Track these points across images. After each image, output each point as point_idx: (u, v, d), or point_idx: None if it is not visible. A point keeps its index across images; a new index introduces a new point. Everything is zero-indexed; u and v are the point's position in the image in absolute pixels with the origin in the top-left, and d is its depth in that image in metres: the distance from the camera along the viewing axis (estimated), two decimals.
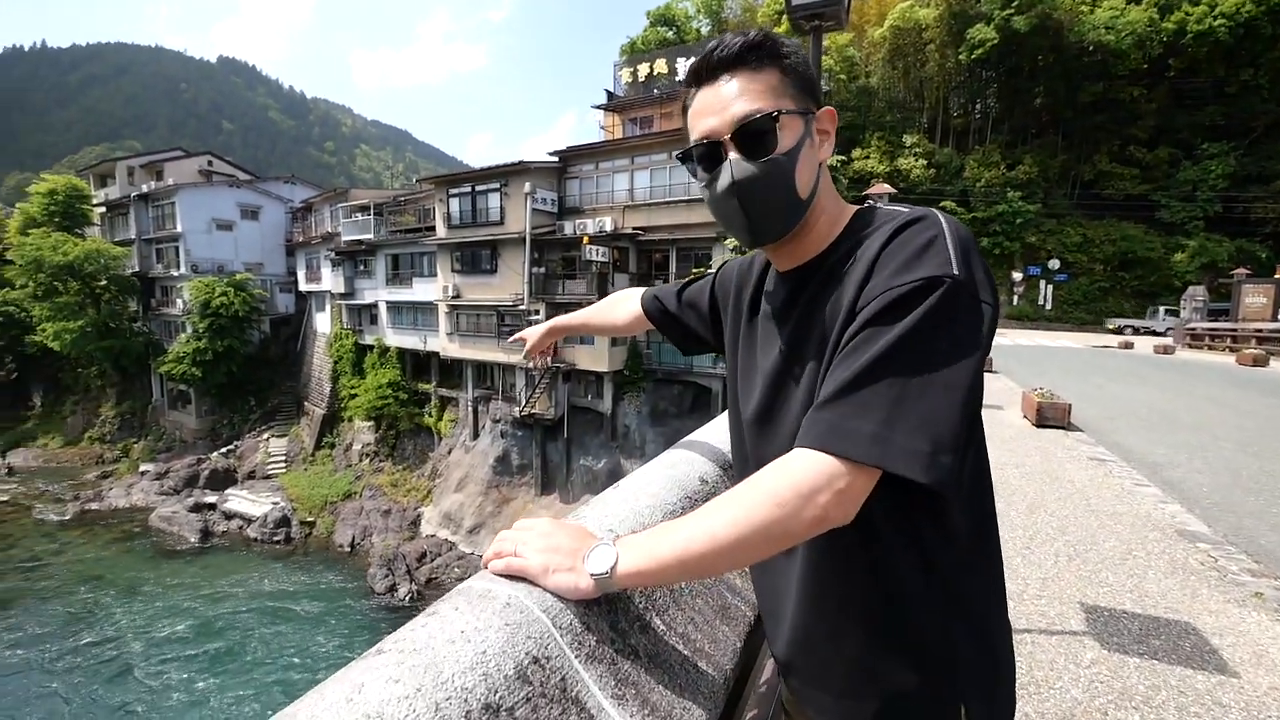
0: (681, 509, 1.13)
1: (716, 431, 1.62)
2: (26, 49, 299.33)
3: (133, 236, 33.82)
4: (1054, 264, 30.22)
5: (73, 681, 14.16)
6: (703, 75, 0.82)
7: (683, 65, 26.21)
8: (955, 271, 0.68)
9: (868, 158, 32.62)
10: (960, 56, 32.86)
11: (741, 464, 1.02)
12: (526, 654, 0.70)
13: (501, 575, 0.79)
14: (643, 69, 28.16)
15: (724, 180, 0.81)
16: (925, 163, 32.76)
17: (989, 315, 0.70)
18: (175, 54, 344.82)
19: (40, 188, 31.75)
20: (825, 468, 0.66)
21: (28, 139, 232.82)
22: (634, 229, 18.91)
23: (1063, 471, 5.60)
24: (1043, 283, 29.94)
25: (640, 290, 1.37)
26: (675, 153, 0.97)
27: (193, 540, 21.40)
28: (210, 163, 38.10)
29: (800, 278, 0.87)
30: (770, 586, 0.96)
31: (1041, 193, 32.15)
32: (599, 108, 29.67)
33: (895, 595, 0.78)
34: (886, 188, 11.46)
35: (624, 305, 1.40)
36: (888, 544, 0.78)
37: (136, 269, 33.11)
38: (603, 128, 29.81)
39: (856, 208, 0.88)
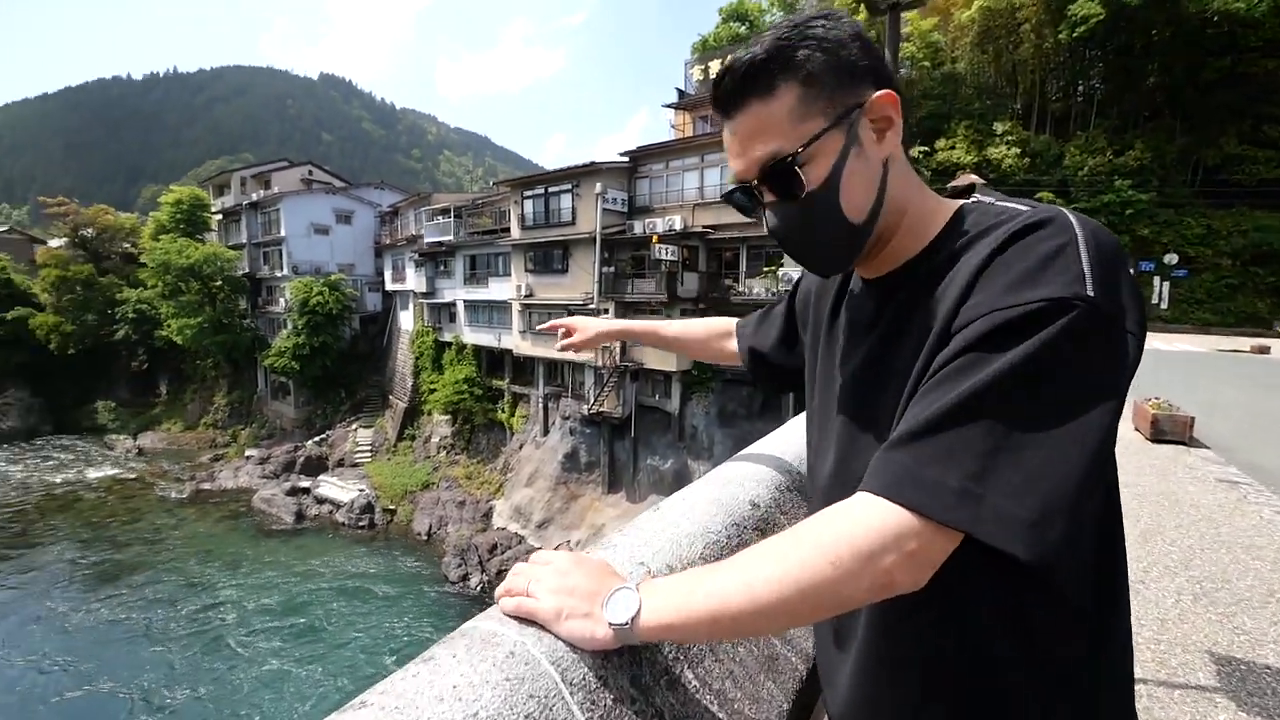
0: (727, 539, 1.00)
1: (775, 445, 1.47)
2: (162, 75, 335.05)
3: (244, 241, 37.00)
4: (1171, 258, 27.25)
5: (179, 645, 15.62)
6: (720, 108, 0.71)
7: None
8: (1089, 292, 0.53)
9: (953, 148, 30.67)
10: (1060, 36, 30.27)
11: (811, 498, 0.90)
12: (526, 717, 0.59)
13: (511, 616, 0.70)
14: (714, 66, 27.81)
15: (767, 224, 0.74)
16: (1019, 151, 30.42)
17: (1133, 348, 0.55)
18: (283, 73, 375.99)
19: (169, 198, 35.37)
20: (893, 523, 0.54)
21: (162, 155, 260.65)
22: (704, 227, 18.69)
23: (1184, 494, 4.96)
24: (1157, 280, 27.06)
25: (735, 320, 1.28)
26: (721, 194, 0.85)
27: (288, 521, 23.09)
28: (310, 172, 41.00)
29: (885, 289, 0.74)
30: (825, 641, 0.82)
31: (1156, 180, 29.07)
32: (670, 106, 29.59)
33: (984, 674, 0.63)
34: (974, 178, 10.67)
35: (715, 332, 1.30)
36: (975, 613, 0.62)
37: (246, 270, 36.18)
38: (673, 126, 29.71)
39: (959, 203, 0.72)
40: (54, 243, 42.38)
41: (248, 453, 30.34)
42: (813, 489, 0.88)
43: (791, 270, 15.50)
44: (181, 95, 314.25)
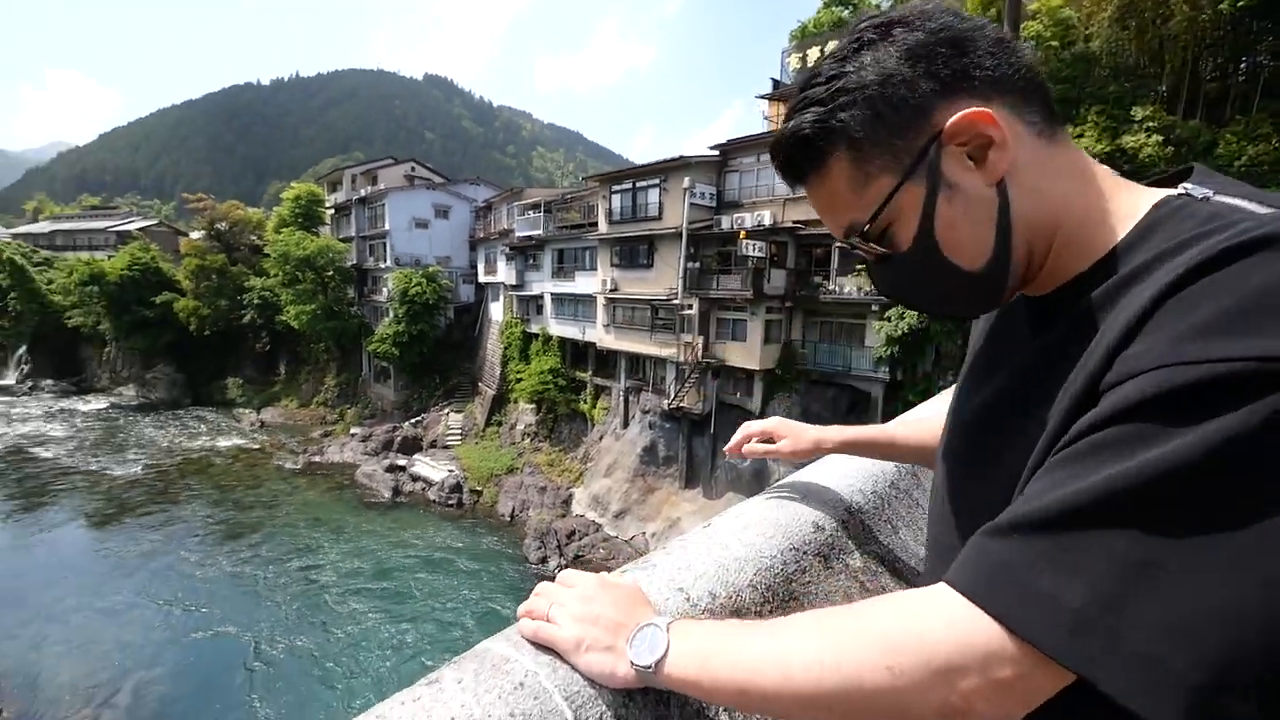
0: (783, 564, 0.89)
1: (849, 460, 1.32)
2: (286, 79, 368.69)
3: (353, 234, 39.97)
4: None
5: (287, 599, 17.33)
6: (785, 180, 0.66)
7: None
8: None
9: (1081, 135, 27.81)
10: (1221, 6, 26.65)
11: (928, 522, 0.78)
12: None
13: (529, 640, 0.64)
14: (813, 53, 26.72)
15: (874, 284, 0.67)
16: (1160, 139, 27.10)
17: None
18: (392, 75, 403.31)
19: (289, 194, 38.91)
20: (980, 638, 0.41)
21: (284, 155, 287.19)
22: (794, 223, 18.07)
23: None
24: None
25: None
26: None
27: (386, 496, 24.76)
28: (413, 169, 43.46)
29: (1042, 311, 0.58)
30: None
31: None
32: (763, 97, 28.76)
33: None
34: (1106, 170, 9.57)
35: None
36: None
37: (354, 261, 39.07)
38: (766, 117, 28.86)
39: (1158, 196, 0.52)
40: (194, 235, 47.77)
41: (352, 430, 32.82)
42: (930, 513, 0.77)
43: None
44: (301, 99, 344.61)
